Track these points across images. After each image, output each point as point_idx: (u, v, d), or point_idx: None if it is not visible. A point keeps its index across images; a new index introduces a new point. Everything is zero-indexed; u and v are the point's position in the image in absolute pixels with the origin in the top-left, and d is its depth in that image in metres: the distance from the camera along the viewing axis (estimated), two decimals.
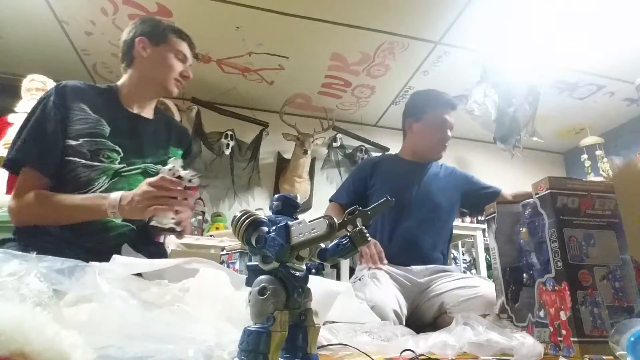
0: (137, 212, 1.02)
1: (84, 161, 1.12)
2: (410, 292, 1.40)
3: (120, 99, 1.27)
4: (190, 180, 1.06)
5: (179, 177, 1.05)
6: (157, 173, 1.21)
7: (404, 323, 1.31)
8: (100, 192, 1.12)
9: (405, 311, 1.31)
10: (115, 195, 1.04)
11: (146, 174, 1.24)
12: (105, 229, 1.12)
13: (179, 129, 1.46)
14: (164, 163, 1.28)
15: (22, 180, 1.10)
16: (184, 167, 1.15)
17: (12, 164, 1.13)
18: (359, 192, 1.72)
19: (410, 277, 1.45)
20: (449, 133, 1.70)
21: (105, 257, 0.71)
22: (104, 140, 1.16)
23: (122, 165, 1.18)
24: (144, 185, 1.03)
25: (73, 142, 1.12)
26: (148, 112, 1.33)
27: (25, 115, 2.79)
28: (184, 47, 1.30)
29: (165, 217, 1.05)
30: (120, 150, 1.19)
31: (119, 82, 1.32)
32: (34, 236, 1.07)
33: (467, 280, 1.36)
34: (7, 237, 1.13)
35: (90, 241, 1.09)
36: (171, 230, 1.09)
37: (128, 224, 1.15)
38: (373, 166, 1.78)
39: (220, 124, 3.46)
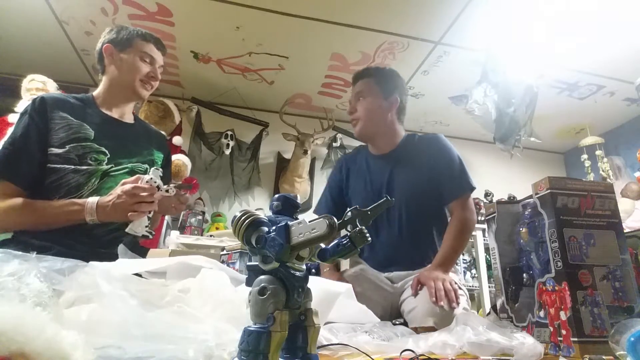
0: (115, 217, 1.06)
1: (72, 167, 1.15)
2: (390, 296, 1.38)
3: (97, 105, 1.31)
4: (167, 191, 1.10)
5: (157, 188, 1.08)
6: (144, 172, 1.25)
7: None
8: (90, 193, 1.15)
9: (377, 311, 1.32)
10: (92, 201, 1.07)
11: (133, 173, 1.25)
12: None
13: (158, 134, 1.49)
14: (151, 163, 1.32)
15: None
16: (164, 174, 1.19)
17: None
18: (337, 201, 1.58)
19: (389, 282, 1.41)
20: None
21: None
22: (89, 143, 1.19)
23: (110, 166, 1.22)
24: (118, 190, 1.05)
25: (59, 150, 1.15)
26: (128, 118, 1.37)
27: None
28: (150, 49, 1.31)
29: (140, 224, 1.08)
30: (107, 152, 1.22)
31: (95, 91, 1.35)
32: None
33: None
34: None
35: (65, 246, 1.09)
36: (145, 237, 1.14)
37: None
38: (347, 167, 1.61)
39: (220, 124, 3.46)
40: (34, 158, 1.13)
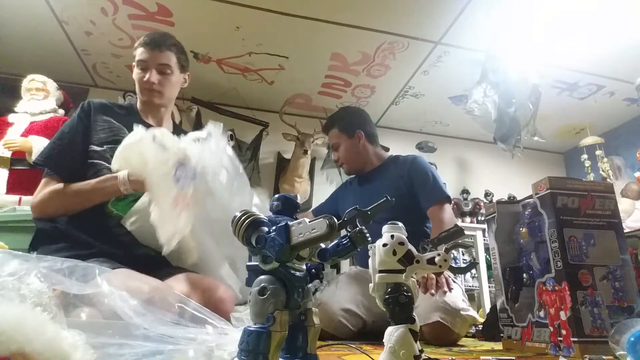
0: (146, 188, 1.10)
1: (107, 164, 1.20)
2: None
3: (139, 113, 1.37)
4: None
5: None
6: None
7: (367, 322, 1.40)
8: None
9: (366, 312, 1.40)
10: (123, 172, 1.11)
11: None
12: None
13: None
14: None
15: (44, 182, 1.21)
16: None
17: (39, 166, 1.25)
18: (331, 206, 1.84)
19: None
20: None
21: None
22: None
23: None
24: None
25: (98, 148, 1.22)
26: (166, 125, 1.39)
27: (25, 116, 2.78)
28: (142, 53, 1.30)
29: None
30: None
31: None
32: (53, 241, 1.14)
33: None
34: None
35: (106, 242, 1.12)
36: None
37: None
38: (342, 189, 1.88)
39: (220, 124, 3.45)
40: (76, 153, 1.21)
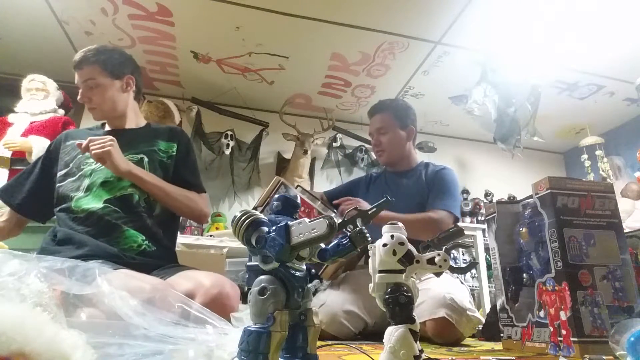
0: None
1: (72, 178, 1.25)
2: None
3: (103, 127, 1.45)
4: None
5: None
6: (136, 162, 1.28)
7: (367, 324, 1.38)
8: (85, 191, 1.22)
9: (367, 314, 1.38)
10: None
11: None
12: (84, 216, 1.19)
13: (168, 128, 1.50)
14: (149, 153, 1.33)
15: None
16: (186, 161, 1.39)
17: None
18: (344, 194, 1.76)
19: None
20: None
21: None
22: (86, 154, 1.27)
23: (98, 165, 1.26)
24: None
25: (64, 170, 1.28)
26: (130, 124, 1.41)
27: (25, 116, 2.78)
28: (76, 78, 1.37)
29: None
30: None
31: None
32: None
33: (424, 282, 1.32)
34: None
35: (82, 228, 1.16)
36: None
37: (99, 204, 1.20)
38: (369, 179, 1.82)
39: (220, 124, 3.45)
40: (34, 184, 1.31)
